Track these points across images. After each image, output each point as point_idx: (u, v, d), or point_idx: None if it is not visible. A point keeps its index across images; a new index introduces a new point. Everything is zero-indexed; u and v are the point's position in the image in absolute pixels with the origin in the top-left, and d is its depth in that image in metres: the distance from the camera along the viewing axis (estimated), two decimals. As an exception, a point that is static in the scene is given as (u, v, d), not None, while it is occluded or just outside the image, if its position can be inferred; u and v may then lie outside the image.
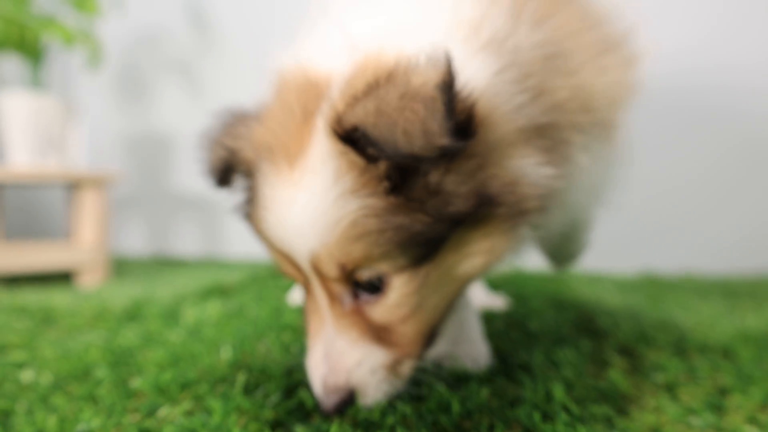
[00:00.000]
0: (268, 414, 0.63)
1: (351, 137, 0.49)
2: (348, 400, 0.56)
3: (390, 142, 0.46)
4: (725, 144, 1.78)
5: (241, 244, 2.23)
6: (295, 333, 0.97)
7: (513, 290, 1.36)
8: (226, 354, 0.84)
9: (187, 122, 2.26)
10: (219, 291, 1.46)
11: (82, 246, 1.67)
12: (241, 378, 0.73)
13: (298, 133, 0.54)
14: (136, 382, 0.74)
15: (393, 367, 0.57)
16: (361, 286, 0.55)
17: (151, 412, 0.65)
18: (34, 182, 1.63)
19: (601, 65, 0.63)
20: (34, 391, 0.73)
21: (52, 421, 0.62)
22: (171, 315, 1.13)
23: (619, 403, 0.66)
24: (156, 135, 2.30)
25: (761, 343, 0.87)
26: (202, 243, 2.30)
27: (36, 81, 1.73)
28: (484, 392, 0.66)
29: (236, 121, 0.63)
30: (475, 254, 0.56)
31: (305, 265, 0.55)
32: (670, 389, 0.71)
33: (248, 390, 0.70)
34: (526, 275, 1.62)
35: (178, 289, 1.51)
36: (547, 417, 0.61)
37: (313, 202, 0.52)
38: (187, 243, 2.31)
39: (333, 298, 0.56)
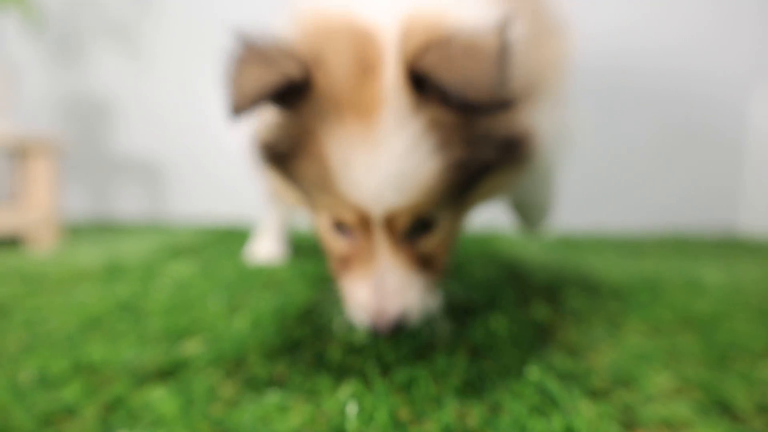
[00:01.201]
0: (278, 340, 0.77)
1: (425, 87, 0.54)
2: (400, 325, 0.63)
3: (462, 91, 0.51)
4: (654, 121, 2.07)
5: (183, 206, 2.30)
6: (269, 284, 1.12)
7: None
8: (221, 301, 0.97)
9: (125, 85, 2.26)
10: (177, 251, 1.55)
11: (35, 210, 1.69)
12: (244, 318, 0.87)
13: (365, 88, 0.55)
14: (154, 324, 0.85)
15: (431, 290, 0.67)
16: (415, 226, 0.63)
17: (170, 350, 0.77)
18: (-22, 146, 1.62)
19: (550, 43, 0.77)
20: (61, 335, 0.82)
21: (97, 352, 0.73)
22: (149, 273, 1.23)
23: (542, 332, 0.86)
24: (94, 98, 2.28)
25: (648, 284, 1.12)
26: (144, 205, 2.34)
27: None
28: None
29: (279, 50, 0.57)
30: (489, 192, 0.68)
31: (377, 219, 0.59)
32: (578, 318, 0.92)
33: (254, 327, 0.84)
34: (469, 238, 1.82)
35: (140, 249, 1.58)
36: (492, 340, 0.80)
37: (395, 162, 0.55)
38: (128, 205, 2.34)
39: (392, 237, 0.61)
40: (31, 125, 2.26)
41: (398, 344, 0.76)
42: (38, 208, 1.69)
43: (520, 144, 0.61)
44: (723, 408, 0.60)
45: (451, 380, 0.65)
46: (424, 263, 0.65)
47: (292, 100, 0.58)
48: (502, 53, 0.53)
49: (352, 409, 0.57)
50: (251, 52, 0.57)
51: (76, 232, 1.99)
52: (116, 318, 0.89)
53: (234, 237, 1.87)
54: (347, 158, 0.56)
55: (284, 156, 0.62)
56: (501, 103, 0.53)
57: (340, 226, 0.64)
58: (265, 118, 0.65)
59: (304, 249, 1.55)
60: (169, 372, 0.69)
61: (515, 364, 0.69)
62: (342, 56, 0.56)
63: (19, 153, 1.70)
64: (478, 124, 0.58)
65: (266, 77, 0.55)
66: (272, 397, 0.61)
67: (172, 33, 2.22)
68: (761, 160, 2.01)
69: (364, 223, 0.60)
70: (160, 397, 0.60)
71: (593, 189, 2.07)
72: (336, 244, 0.67)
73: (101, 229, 2.08)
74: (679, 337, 0.81)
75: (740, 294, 1.04)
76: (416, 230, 0.63)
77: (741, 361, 0.72)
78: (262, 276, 1.19)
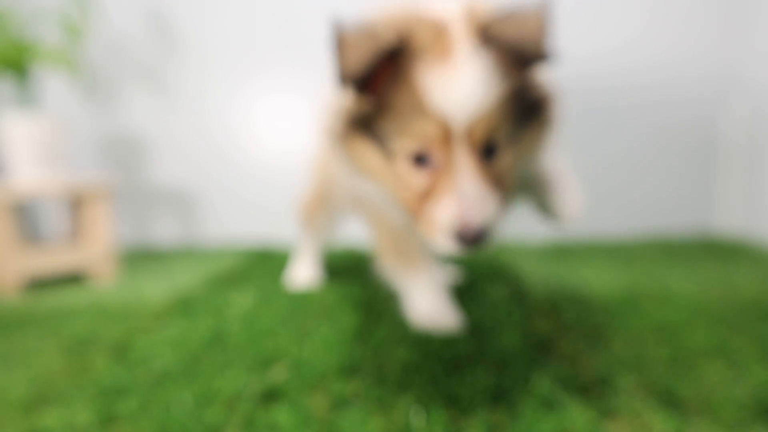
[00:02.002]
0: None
1: (492, 41, 0.76)
2: (484, 234, 0.75)
3: (522, 43, 0.75)
4: (633, 131, 2.31)
5: (215, 230, 2.54)
6: (323, 312, 1.35)
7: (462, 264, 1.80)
8: (289, 330, 1.21)
9: (155, 123, 2.49)
10: (230, 280, 1.79)
11: (95, 247, 1.92)
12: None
13: (444, 40, 0.77)
14: (243, 354, 1.10)
15: (501, 207, 0.81)
16: (484, 149, 0.79)
17: (265, 377, 1.01)
18: (47, 196, 1.84)
19: None
20: (180, 368, 1.05)
21: (218, 381, 0.97)
22: (217, 306, 1.46)
23: (544, 345, 1.11)
24: (128, 136, 2.51)
25: (629, 296, 1.36)
26: (180, 232, 2.58)
27: (27, 99, 1.92)
28: (466, 342, 1.09)
29: (374, 28, 0.77)
30: (528, 146, 0.87)
31: (458, 131, 0.76)
32: (571, 331, 1.17)
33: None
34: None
35: (192, 279, 1.82)
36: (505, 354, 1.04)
37: (474, 81, 0.75)
38: (166, 233, 2.58)
39: (470, 152, 0.77)
40: (83, 171, 2.49)
41: (442, 357, 1.01)
42: (98, 245, 1.93)
43: (549, 100, 0.85)
44: (676, 403, 0.84)
45: (479, 389, 0.89)
46: (495, 183, 0.80)
47: (388, 62, 0.77)
48: (548, 22, 0.76)
49: (417, 418, 0.82)
50: (352, 33, 0.76)
51: (128, 262, 2.22)
52: (213, 351, 1.12)
53: (268, 259, 2.10)
54: (437, 81, 0.75)
55: (376, 111, 0.81)
56: (546, 56, 0.76)
57: (420, 159, 0.80)
58: (337, 103, 0.87)
59: (339, 269, 1.79)
60: (271, 394, 0.93)
61: (525, 374, 0.94)
62: (422, 25, 0.79)
63: (79, 198, 1.93)
64: (526, 72, 0.81)
65: (372, 44, 0.74)
66: (355, 413, 0.85)
67: (194, 71, 2.44)
68: (731, 165, 2.25)
69: (448, 138, 0.76)
70: (282, 416, 0.83)
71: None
72: (416, 180, 0.81)
73: (146, 257, 2.31)
74: (649, 345, 1.06)
75: (704, 303, 1.29)
76: (486, 153, 0.79)
77: (694, 363, 0.97)
78: (313, 303, 1.43)
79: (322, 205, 1.62)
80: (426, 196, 0.79)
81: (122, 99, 2.48)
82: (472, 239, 0.74)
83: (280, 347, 1.11)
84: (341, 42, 0.77)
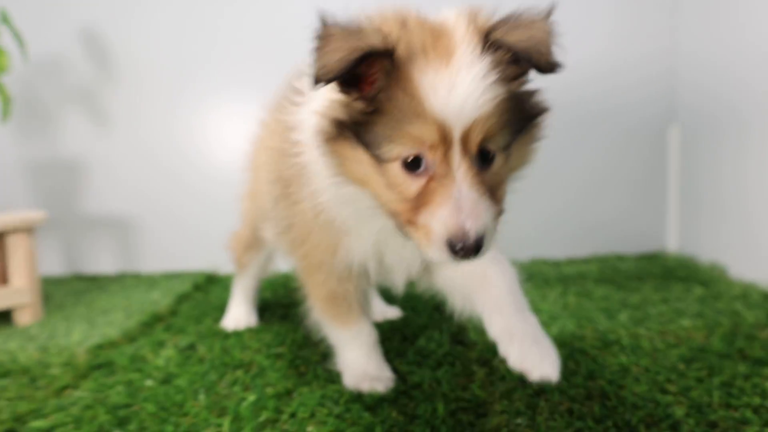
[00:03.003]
0: None
1: (495, 45, 0.75)
2: (480, 243, 0.72)
3: (527, 49, 0.74)
4: (583, 157, 2.27)
5: (156, 260, 2.43)
6: (245, 370, 1.28)
7: (401, 301, 1.75)
8: (202, 401, 1.14)
9: (93, 148, 2.36)
10: (159, 321, 1.70)
11: (18, 287, 1.80)
12: (225, 422, 1.04)
13: (444, 40, 0.75)
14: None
15: (495, 219, 0.78)
16: (479, 157, 0.77)
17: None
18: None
19: None
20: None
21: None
22: (137, 360, 1.37)
23: (479, 413, 1.06)
24: (63, 162, 2.37)
25: (565, 347, 1.33)
26: (118, 261, 2.45)
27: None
28: (392, 412, 1.04)
29: (361, 27, 0.75)
30: (521, 156, 0.86)
31: (457, 132, 0.74)
32: (506, 394, 1.12)
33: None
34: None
35: (119, 319, 1.72)
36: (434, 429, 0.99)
37: (473, 84, 0.73)
38: (103, 262, 2.45)
39: (467, 161, 0.75)
40: (11, 202, 2.34)
41: (368, 428, 0.95)
42: (21, 284, 1.81)
43: (544, 112, 0.84)
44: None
45: None
46: (490, 192, 0.77)
47: (374, 65, 0.75)
48: (552, 28, 0.76)
49: None
50: (337, 29, 0.73)
51: (62, 297, 2.10)
52: (114, 424, 1.04)
53: (208, 291, 2.02)
54: (434, 83, 0.73)
55: (364, 116, 0.77)
56: (554, 66, 0.76)
57: (413, 164, 0.76)
58: (326, 108, 0.83)
59: (282, 297, 1.72)
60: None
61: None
62: (419, 25, 0.77)
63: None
64: (524, 80, 0.81)
65: (353, 46, 0.70)
66: None
67: (130, 93, 2.32)
68: (680, 186, 2.25)
69: (444, 142, 0.74)
70: None
71: (533, 222, 2.28)
72: (410, 186, 0.77)
73: (81, 291, 2.18)
74: (583, 407, 1.02)
75: (640, 352, 1.26)
76: (482, 160, 0.78)
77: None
78: (238, 354, 1.35)
79: (255, 244, 1.55)
80: (419, 203, 0.76)
81: (54, 124, 2.34)
82: (468, 250, 0.71)
83: (187, 425, 1.04)
84: (322, 37, 0.73)
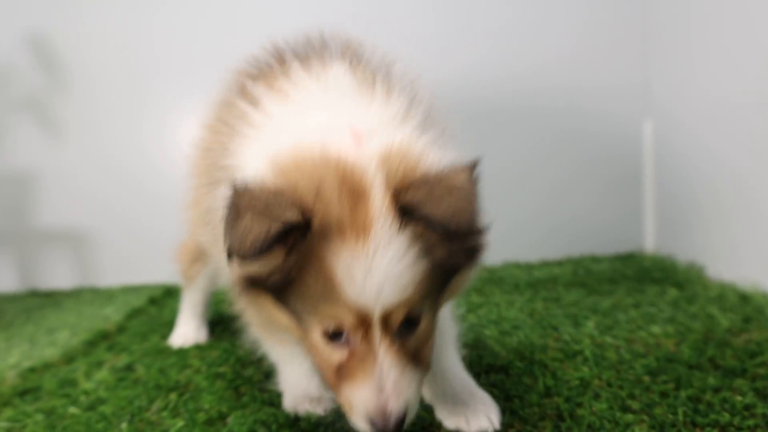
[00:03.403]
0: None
1: (412, 216, 0.68)
2: (403, 420, 0.71)
3: (446, 223, 0.66)
4: (556, 156, 2.19)
5: (110, 273, 2.33)
6: (179, 393, 1.19)
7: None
8: (124, 429, 1.04)
9: (45, 159, 2.26)
10: (104, 338, 1.60)
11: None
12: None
13: (359, 213, 0.68)
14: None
15: (420, 384, 0.76)
16: (404, 324, 0.73)
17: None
18: None
19: None
20: None
21: None
22: (67, 384, 1.28)
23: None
24: (11, 174, 2.27)
25: (525, 357, 1.23)
26: (76, 275, 2.35)
27: None
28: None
29: (276, 197, 0.67)
30: (455, 290, 0.81)
31: (375, 316, 0.69)
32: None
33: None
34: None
35: (64, 338, 1.63)
36: None
37: (391, 267, 0.67)
38: (60, 277, 2.35)
39: (388, 338, 0.71)
40: None
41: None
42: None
43: (480, 249, 0.77)
44: None
45: None
46: (414, 358, 0.74)
47: (289, 238, 0.68)
48: (475, 190, 0.69)
49: None
50: (250, 201, 0.66)
51: (10, 315, 2.00)
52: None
53: (163, 307, 1.92)
54: (350, 268, 0.67)
55: (281, 284, 0.71)
56: (477, 232, 0.73)
57: (334, 336, 0.72)
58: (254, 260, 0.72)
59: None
60: None
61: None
62: (335, 190, 0.69)
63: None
64: (454, 240, 0.72)
65: (268, 226, 0.63)
66: None
67: (82, 101, 2.22)
68: (656, 185, 2.16)
69: (363, 323, 0.70)
70: None
71: (505, 224, 2.19)
72: (331, 355, 0.73)
73: (32, 308, 2.08)
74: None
75: (604, 363, 1.17)
76: (405, 328, 0.73)
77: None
78: (175, 375, 1.26)
79: (202, 255, 1.46)
80: (341, 374, 0.73)
81: (2, 135, 2.24)
82: (391, 428, 0.69)
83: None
84: (236, 210, 0.66)
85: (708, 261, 1.82)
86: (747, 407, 0.96)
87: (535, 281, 1.87)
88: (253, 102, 0.90)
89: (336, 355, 0.73)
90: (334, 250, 0.67)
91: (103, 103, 2.23)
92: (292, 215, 0.65)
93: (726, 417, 0.93)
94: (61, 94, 2.21)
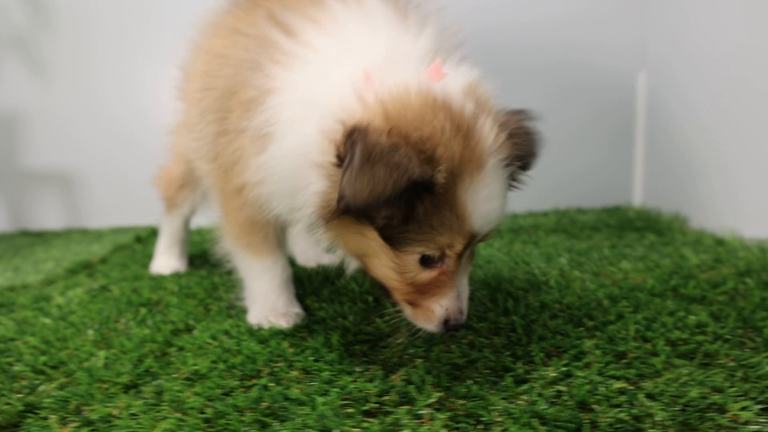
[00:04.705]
0: (124, 379, 0.88)
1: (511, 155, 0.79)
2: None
3: (531, 158, 0.83)
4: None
5: (105, 216, 2.35)
6: (149, 308, 1.21)
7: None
8: (90, 335, 1.07)
9: (31, 99, 2.26)
10: (86, 268, 1.63)
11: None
12: (101, 354, 0.97)
13: (472, 147, 0.74)
14: (17, 367, 0.95)
15: None
16: None
17: (31, 390, 0.87)
18: None
19: None
20: None
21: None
22: (42, 300, 1.31)
23: (378, 342, 0.98)
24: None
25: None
26: (67, 217, 2.38)
27: None
28: (284, 343, 0.96)
29: (406, 148, 0.70)
30: None
31: (480, 236, 0.80)
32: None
33: (108, 363, 0.94)
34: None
35: (49, 268, 1.66)
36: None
37: (502, 196, 0.79)
38: (48, 217, 2.38)
39: (470, 257, 0.86)
40: None
41: (236, 368, 0.88)
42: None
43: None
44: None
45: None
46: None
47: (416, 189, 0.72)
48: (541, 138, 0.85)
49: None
50: (382, 150, 0.69)
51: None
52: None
53: (149, 244, 1.94)
54: (472, 201, 0.75)
55: (400, 224, 0.75)
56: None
57: (428, 261, 0.79)
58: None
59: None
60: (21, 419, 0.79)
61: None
62: (451, 130, 0.74)
63: None
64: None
65: (397, 179, 0.67)
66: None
67: (71, 41, 2.22)
68: (647, 138, 2.14)
69: (466, 247, 0.79)
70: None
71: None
72: (420, 275, 0.81)
73: (20, 246, 2.12)
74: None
75: (567, 291, 1.17)
76: None
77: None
78: (151, 301, 1.27)
79: (192, 181, 1.45)
80: (426, 290, 0.82)
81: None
82: (460, 326, 0.84)
83: (72, 355, 0.97)
84: (362, 156, 0.69)
85: (694, 213, 1.80)
86: (699, 325, 0.97)
87: (518, 227, 1.87)
88: (287, 31, 0.88)
89: (425, 275, 0.81)
90: (457, 186, 0.74)
91: (91, 44, 2.22)
92: (423, 171, 0.69)
93: (676, 333, 0.93)
94: (49, 34, 2.21)
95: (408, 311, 0.85)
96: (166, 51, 2.20)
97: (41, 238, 2.22)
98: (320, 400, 0.76)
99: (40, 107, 2.27)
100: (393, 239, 0.77)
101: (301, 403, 0.77)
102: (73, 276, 1.55)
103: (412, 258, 0.79)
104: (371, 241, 0.80)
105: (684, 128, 1.88)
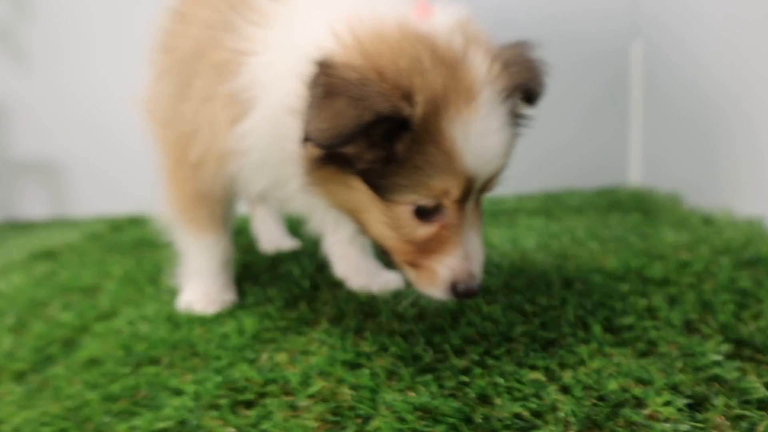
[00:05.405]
0: (18, 366, 0.83)
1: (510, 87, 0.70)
2: (480, 286, 0.74)
3: (536, 89, 0.75)
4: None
5: (92, 203, 2.34)
6: (84, 294, 1.17)
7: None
8: (8, 320, 1.03)
9: (13, 89, 2.26)
10: (49, 255, 1.60)
11: None
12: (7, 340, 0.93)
13: (462, 79, 0.66)
14: None
15: None
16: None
17: None
18: None
19: None
20: None
21: None
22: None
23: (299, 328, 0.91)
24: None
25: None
26: (49, 205, 2.38)
27: None
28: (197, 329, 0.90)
29: (372, 82, 0.63)
30: None
31: (480, 181, 0.70)
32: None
33: (12, 350, 0.90)
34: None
35: (13, 257, 1.64)
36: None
37: (501, 131, 0.69)
38: (34, 207, 2.39)
39: (478, 210, 0.74)
40: None
41: (132, 350, 0.82)
42: None
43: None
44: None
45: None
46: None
47: (391, 126, 0.64)
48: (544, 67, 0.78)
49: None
50: (343, 82, 0.62)
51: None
52: None
53: (123, 232, 1.91)
54: (464, 135, 0.66)
55: (378, 165, 0.67)
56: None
57: (423, 213, 0.70)
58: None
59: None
60: None
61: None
62: (432, 62, 0.66)
63: None
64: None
65: (361, 114, 0.60)
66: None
67: (51, 30, 2.20)
68: (644, 112, 2.00)
69: (466, 193, 0.70)
70: None
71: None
72: (416, 230, 0.71)
73: (3, 236, 2.12)
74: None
75: (515, 270, 1.08)
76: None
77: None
78: (86, 287, 1.23)
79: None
80: (426, 248, 0.72)
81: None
82: (472, 292, 0.72)
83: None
84: (323, 91, 0.62)
85: (694, 191, 1.66)
86: (650, 310, 0.86)
87: (499, 211, 1.77)
88: None
89: (423, 230, 0.71)
90: (446, 119, 0.65)
91: (73, 34, 2.20)
92: (394, 105, 0.62)
93: (622, 319, 0.83)
94: (31, 25, 2.20)
95: (411, 275, 0.75)
96: (147, 41, 2.17)
97: (27, 229, 2.22)
98: (191, 389, 0.69)
99: (22, 98, 2.26)
100: (379, 187, 0.69)
101: (179, 393, 0.71)
102: (32, 262, 1.52)
103: (405, 209, 0.70)
104: (359, 192, 0.72)
105: (683, 101, 1.74)
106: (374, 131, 0.63)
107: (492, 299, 0.95)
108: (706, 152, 1.62)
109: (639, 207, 1.65)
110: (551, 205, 1.78)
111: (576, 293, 0.95)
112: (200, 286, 1.05)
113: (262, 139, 0.78)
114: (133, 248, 1.58)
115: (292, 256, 1.34)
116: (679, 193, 1.72)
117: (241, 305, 1.03)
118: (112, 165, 2.29)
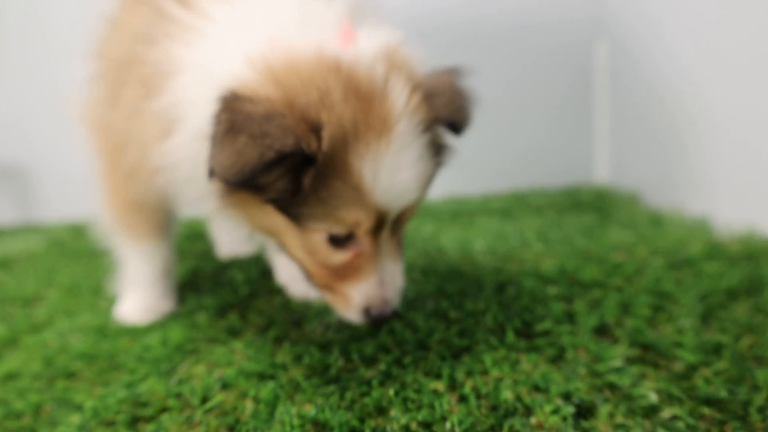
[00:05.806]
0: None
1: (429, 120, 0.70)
2: (394, 311, 0.76)
3: (459, 121, 0.73)
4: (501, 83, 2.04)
5: (56, 209, 2.33)
6: (22, 305, 1.17)
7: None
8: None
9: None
10: (1, 265, 1.60)
11: None
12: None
13: (376, 112, 0.65)
14: None
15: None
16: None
17: None
18: None
19: None
20: None
21: None
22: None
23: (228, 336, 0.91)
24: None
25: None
26: (16, 211, 2.37)
27: None
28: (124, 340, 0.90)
29: (275, 116, 0.61)
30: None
31: (393, 214, 0.70)
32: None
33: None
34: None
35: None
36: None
37: (416, 166, 0.68)
38: (2, 212, 2.38)
39: (395, 239, 0.74)
40: None
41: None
42: None
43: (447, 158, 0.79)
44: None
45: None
46: (400, 250, 0.78)
47: (296, 160, 0.63)
48: (470, 95, 0.76)
49: None
50: (245, 118, 0.60)
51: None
52: None
53: (85, 236, 1.91)
54: (375, 169, 0.65)
55: (290, 196, 0.66)
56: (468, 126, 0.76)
57: (337, 240, 0.71)
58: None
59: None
60: None
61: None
62: (343, 93, 0.64)
63: None
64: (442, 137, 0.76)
65: (259, 151, 0.59)
66: None
67: (17, 31, 2.19)
68: (608, 113, 2.00)
69: (378, 224, 0.70)
70: None
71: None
72: (331, 257, 0.72)
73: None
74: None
75: (452, 275, 1.08)
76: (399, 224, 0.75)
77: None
78: (27, 297, 1.23)
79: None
80: (341, 274, 0.73)
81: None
82: (386, 317, 0.74)
83: None
84: (226, 128, 0.60)
85: (651, 190, 1.66)
86: (569, 315, 0.86)
87: (458, 212, 1.76)
88: (183, 2, 0.78)
89: (337, 257, 0.72)
90: (354, 154, 0.64)
91: (41, 37, 2.19)
92: (298, 140, 0.60)
93: (542, 324, 0.83)
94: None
95: (328, 298, 0.77)
96: (85, 45, 2.16)
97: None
98: (91, 405, 0.69)
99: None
100: (292, 214, 0.69)
101: (80, 409, 0.70)
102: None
103: (319, 236, 0.71)
104: (275, 217, 0.71)
105: (648, 100, 1.73)
106: (280, 165, 0.62)
107: (421, 305, 0.95)
108: (666, 151, 1.62)
109: (597, 206, 1.65)
110: (514, 206, 1.78)
111: (505, 298, 0.95)
112: (138, 295, 1.05)
113: (187, 159, 0.77)
114: (89, 255, 1.58)
115: (241, 262, 1.33)
116: (640, 192, 1.72)
117: (174, 314, 1.03)
118: (81, 169, 2.28)
